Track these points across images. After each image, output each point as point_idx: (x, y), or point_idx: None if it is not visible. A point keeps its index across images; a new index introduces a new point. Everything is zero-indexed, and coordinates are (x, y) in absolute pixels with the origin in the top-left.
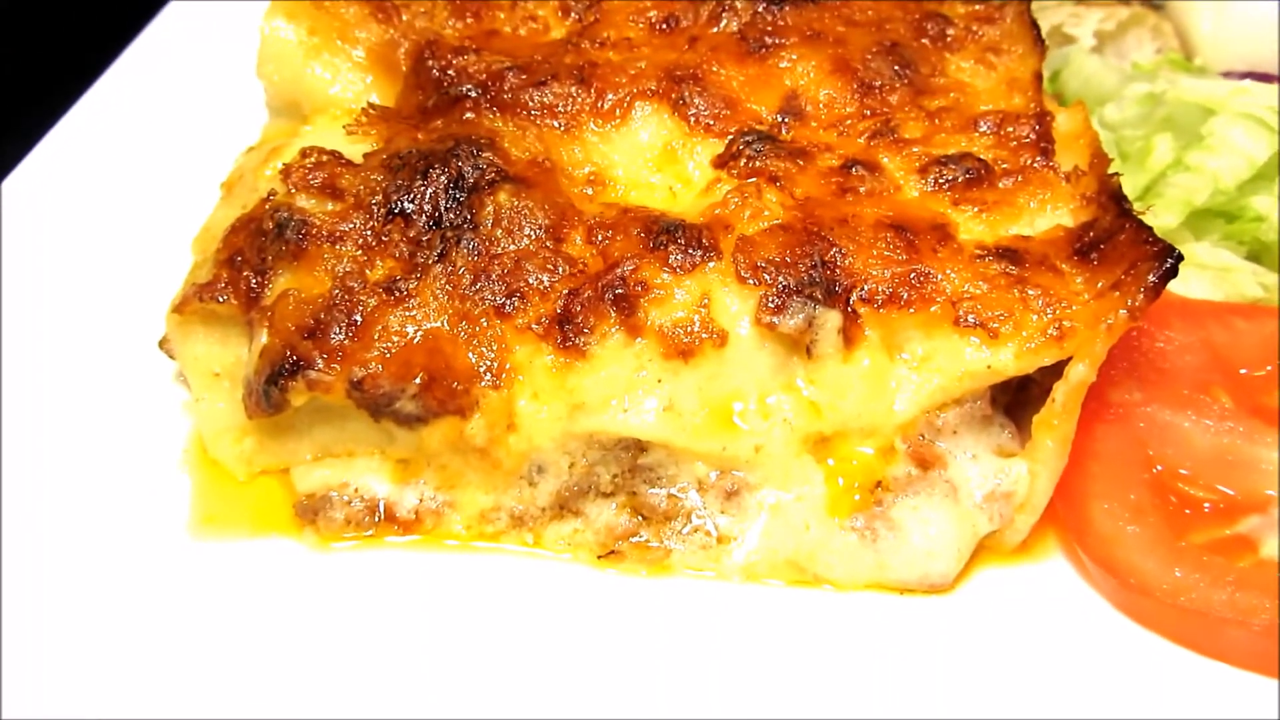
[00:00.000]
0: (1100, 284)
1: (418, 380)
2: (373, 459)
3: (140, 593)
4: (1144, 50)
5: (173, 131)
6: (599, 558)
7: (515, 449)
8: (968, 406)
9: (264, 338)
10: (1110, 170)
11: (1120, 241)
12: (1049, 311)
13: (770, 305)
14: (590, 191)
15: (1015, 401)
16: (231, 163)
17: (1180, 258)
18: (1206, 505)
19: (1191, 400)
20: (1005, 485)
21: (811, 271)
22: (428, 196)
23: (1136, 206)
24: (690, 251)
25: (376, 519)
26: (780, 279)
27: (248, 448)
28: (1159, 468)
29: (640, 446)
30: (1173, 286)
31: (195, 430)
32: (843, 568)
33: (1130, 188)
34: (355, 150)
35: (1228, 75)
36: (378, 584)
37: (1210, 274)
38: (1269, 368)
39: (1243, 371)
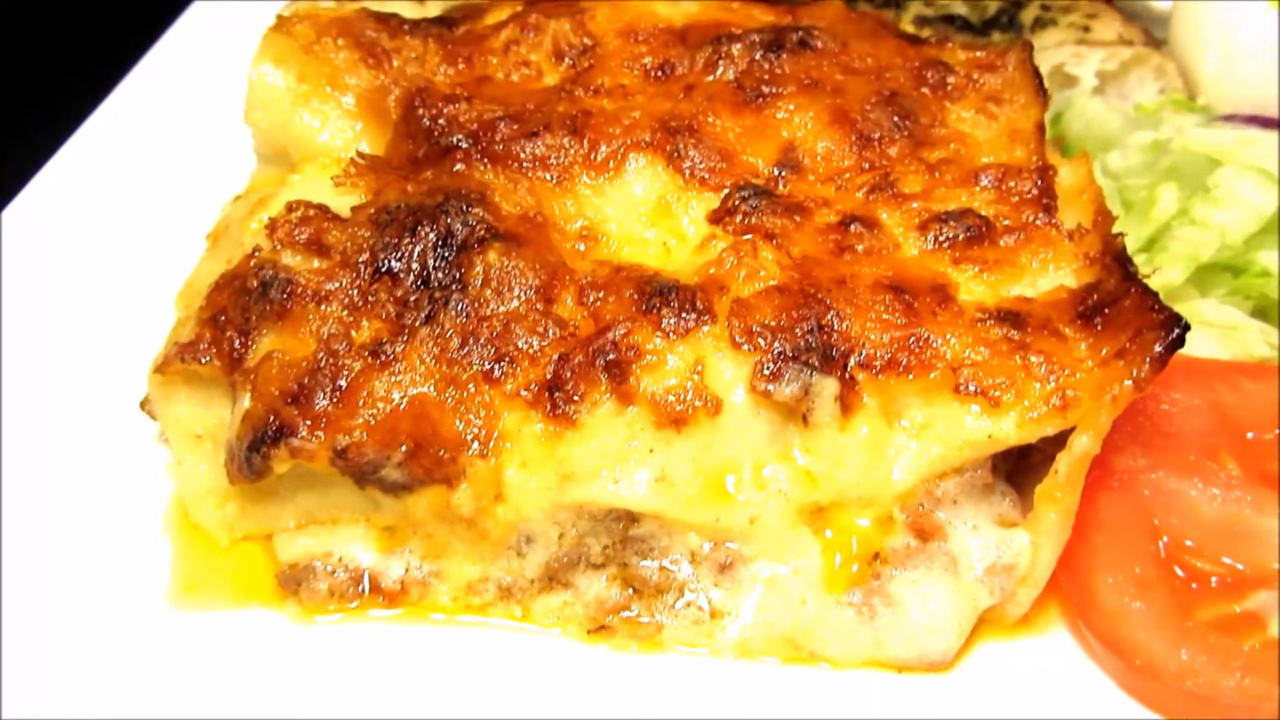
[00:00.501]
0: (1105, 351)
1: (403, 448)
2: (358, 526)
3: (117, 667)
4: (1147, 90)
5: (159, 176)
6: (589, 633)
7: (503, 519)
8: (968, 475)
9: (246, 401)
10: (1115, 229)
11: (1125, 307)
12: (1052, 380)
13: (765, 372)
14: (582, 247)
15: (1017, 467)
16: (218, 210)
17: (1187, 327)
18: (1214, 579)
19: (1198, 467)
20: (1007, 558)
21: (808, 336)
22: (415, 255)
23: (1141, 266)
24: (684, 315)
25: (361, 590)
26: (776, 344)
27: (230, 513)
28: (1165, 539)
29: (632, 517)
30: None
31: (177, 492)
32: (839, 645)
33: (1134, 239)
34: (343, 202)
35: (1231, 118)
36: (362, 659)
37: (1217, 332)
38: (1277, 431)
39: (1250, 435)
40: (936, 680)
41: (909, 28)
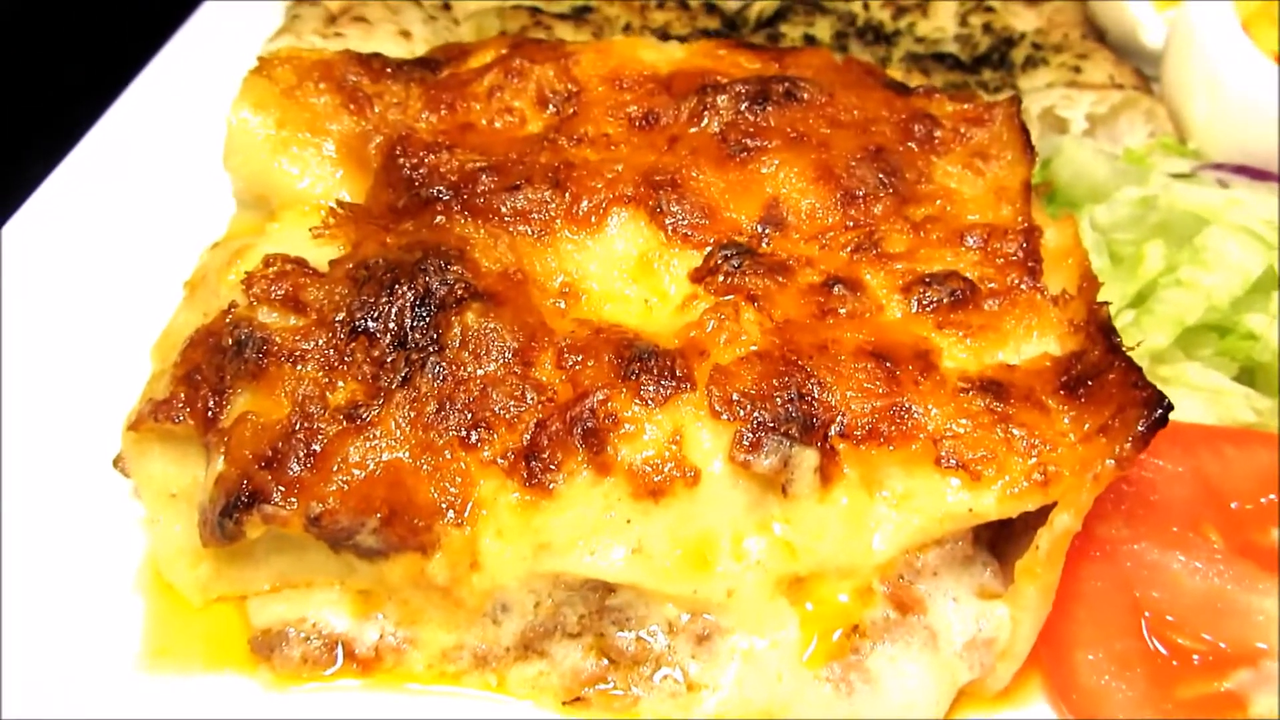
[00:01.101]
0: (1087, 426)
1: (378, 515)
2: (332, 590)
3: None
4: (1137, 134)
5: (138, 217)
6: (564, 704)
7: (478, 588)
8: (949, 546)
9: (220, 464)
10: (1102, 282)
11: (1109, 381)
12: (1033, 454)
13: (744, 443)
14: (563, 304)
15: (999, 535)
16: (198, 253)
17: (1170, 407)
18: (1195, 657)
19: (1180, 539)
20: (987, 631)
21: (788, 405)
22: (393, 315)
23: (1127, 326)
24: (663, 382)
25: (334, 657)
26: (755, 414)
27: (204, 573)
28: (1147, 613)
29: (609, 587)
30: None
31: (151, 549)
32: None
33: (1121, 295)
34: (322, 254)
35: (1220, 167)
36: None
37: (1203, 395)
38: (1262, 499)
39: (1234, 505)
40: None
41: (899, 66)
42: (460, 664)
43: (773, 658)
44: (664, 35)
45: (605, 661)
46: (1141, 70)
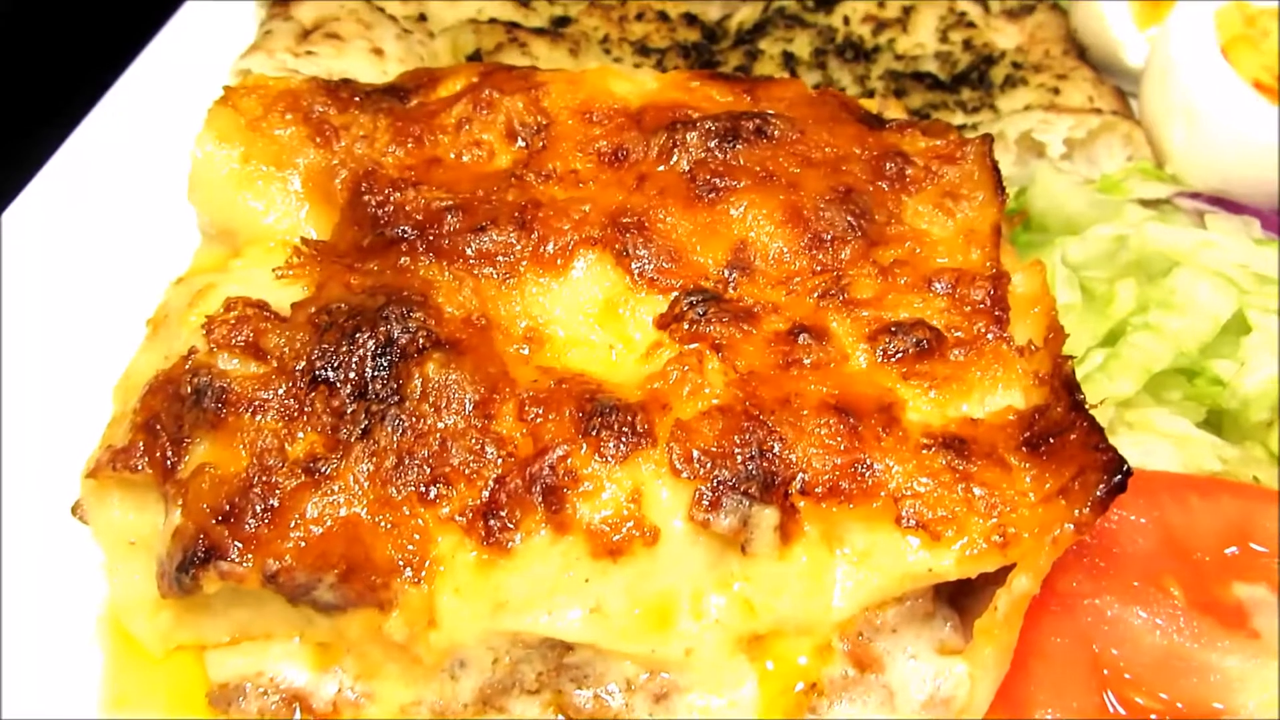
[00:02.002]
0: (1048, 486)
1: (335, 571)
2: (291, 642)
3: None
4: (1115, 158)
5: (102, 249)
6: None
7: (436, 645)
8: (909, 604)
9: (177, 516)
10: (1074, 317)
11: (1070, 441)
12: (994, 515)
13: (704, 502)
14: (526, 350)
15: (960, 589)
16: (161, 287)
17: (1129, 472)
18: (1153, 716)
19: (1141, 594)
20: (945, 690)
21: (749, 464)
22: (353, 364)
23: (1093, 379)
24: (624, 438)
25: (292, 711)
26: (716, 472)
27: (163, 623)
28: (1105, 670)
29: (567, 645)
30: (1132, 453)
31: (110, 598)
32: None
33: (1092, 334)
34: (285, 295)
35: (1196, 197)
36: None
37: (1171, 441)
38: (1225, 551)
39: (1197, 557)
40: None
41: (878, 83)
42: (418, 719)
43: (730, 716)
44: (643, 48)
45: (563, 718)
46: (1122, 90)
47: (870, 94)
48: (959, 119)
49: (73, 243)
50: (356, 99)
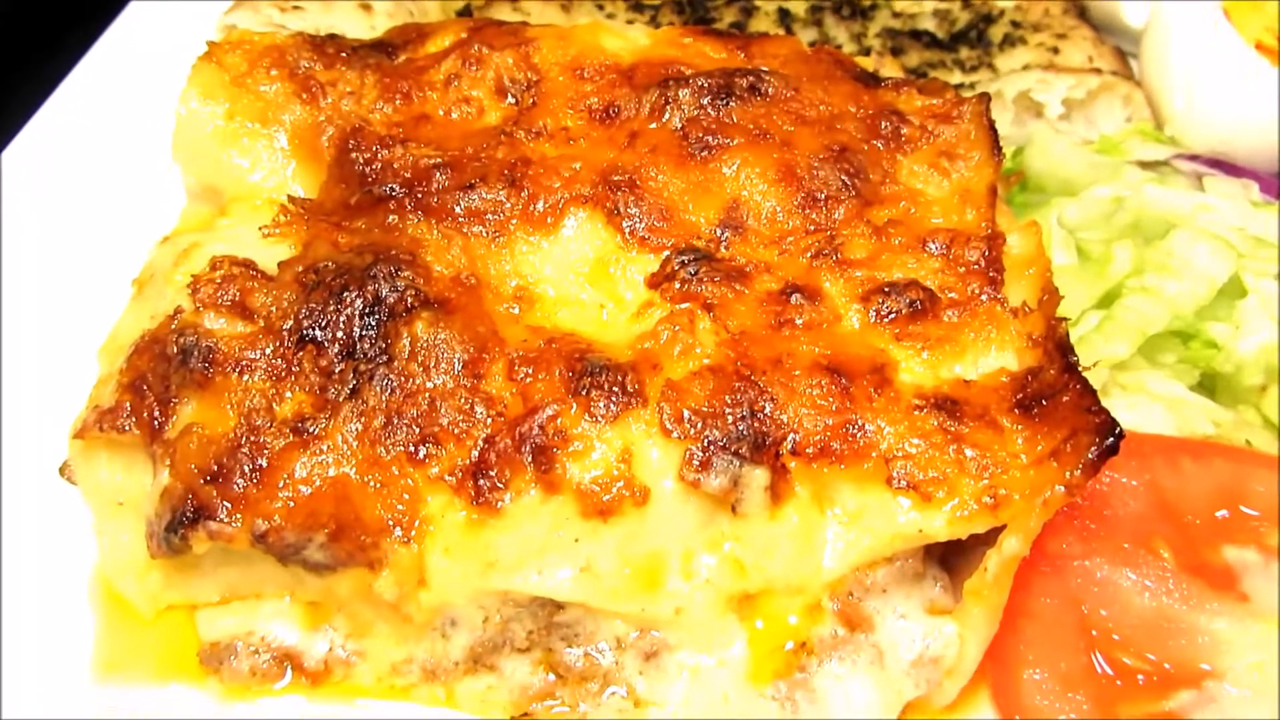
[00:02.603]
0: (1040, 448)
1: (325, 531)
2: (281, 601)
3: None
4: (1114, 118)
5: (86, 207)
6: (512, 719)
7: (426, 604)
8: (899, 564)
9: (165, 477)
10: (1062, 304)
11: (1063, 403)
12: (985, 476)
13: (695, 462)
14: (516, 309)
15: (950, 549)
16: (146, 247)
17: (1121, 435)
18: (1140, 677)
19: (1131, 556)
20: (934, 649)
21: (739, 424)
22: (341, 323)
23: (1088, 341)
24: (614, 398)
25: (283, 670)
26: (706, 432)
27: (153, 583)
28: (1094, 631)
29: (557, 604)
30: (1126, 416)
31: (99, 559)
32: None
33: (1086, 295)
34: (271, 254)
35: (1195, 159)
36: None
37: (1164, 404)
38: (1216, 514)
39: (1188, 519)
40: None
41: (875, 41)
42: (409, 677)
43: (720, 675)
44: (636, 4)
45: (553, 677)
46: (1122, 50)
47: (867, 52)
48: (957, 78)
49: (55, 202)
50: (343, 55)
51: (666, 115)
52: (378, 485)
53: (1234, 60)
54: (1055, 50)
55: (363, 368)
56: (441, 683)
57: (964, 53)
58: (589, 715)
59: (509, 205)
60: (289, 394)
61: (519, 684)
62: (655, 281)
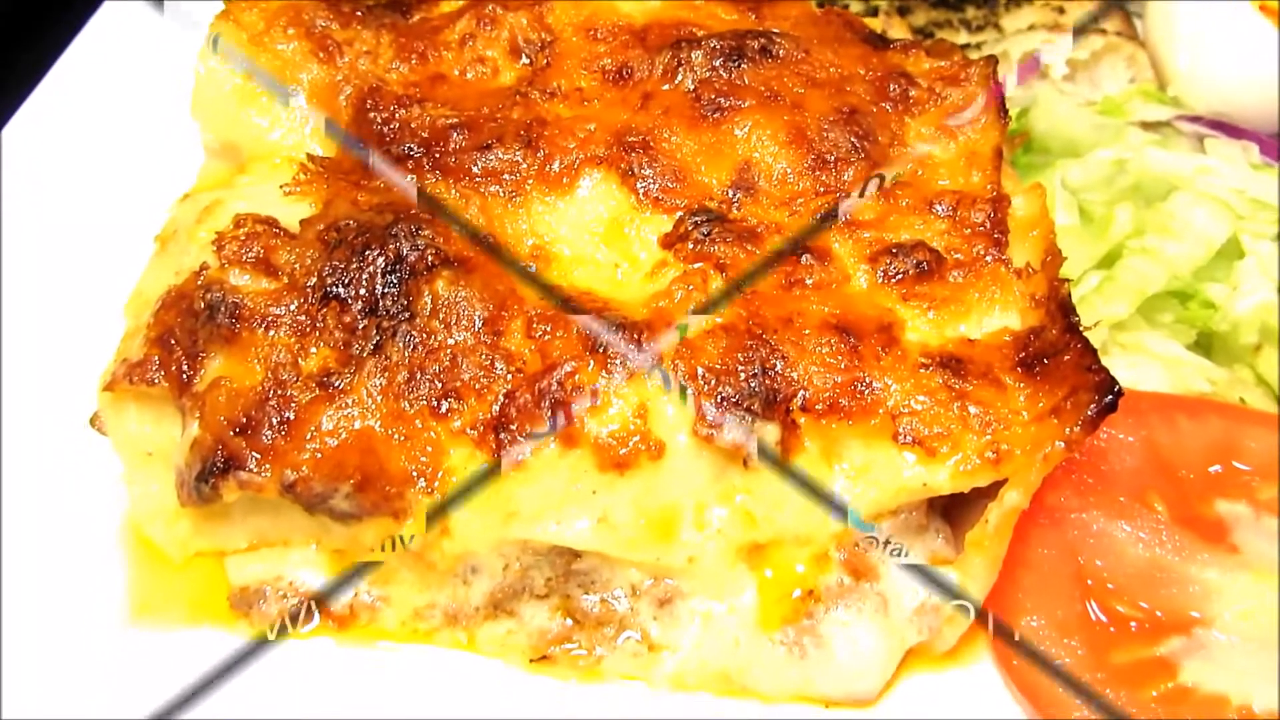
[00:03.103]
0: (1041, 404)
1: (351, 482)
2: (308, 549)
3: (74, 687)
4: (1118, 79)
5: (107, 166)
6: (531, 662)
7: (449, 552)
8: (903, 516)
9: (195, 428)
10: (1071, 239)
11: (1064, 362)
12: (987, 432)
13: (708, 418)
14: (534, 268)
15: (952, 502)
16: (167, 204)
17: (1120, 393)
18: (1132, 624)
19: (1127, 509)
20: (936, 597)
21: (751, 380)
22: (363, 280)
23: (1089, 301)
24: (629, 355)
25: (311, 614)
26: (720, 389)
27: (182, 531)
28: (1089, 581)
29: (574, 552)
30: (1124, 374)
31: (130, 508)
32: (770, 681)
33: (1088, 256)
34: (293, 211)
35: (1197, 120)
36: (311, 680)
37: (1162, 363)
38: (1209, 470)
39: (1182, 475)
40: (863, 714)
41: (883, 0)
42: (432, 622)
43: (731, 622)
44: None
45: (570, 622)
46: (1127, 11)
47: (875, 11)
48: (963, 37)
49: (74, 159)
50: (359, 14)
51: (679, 77)
52: (401, 438)
53: (1236, 21)
54: (1060, 10)
55: (385, 324)
56: (463, 627)
57: (970, 11)
58: (604, 659)
59: (525, 165)
60: (314, 349)
61: (537, 629)
62: (669, 241)
